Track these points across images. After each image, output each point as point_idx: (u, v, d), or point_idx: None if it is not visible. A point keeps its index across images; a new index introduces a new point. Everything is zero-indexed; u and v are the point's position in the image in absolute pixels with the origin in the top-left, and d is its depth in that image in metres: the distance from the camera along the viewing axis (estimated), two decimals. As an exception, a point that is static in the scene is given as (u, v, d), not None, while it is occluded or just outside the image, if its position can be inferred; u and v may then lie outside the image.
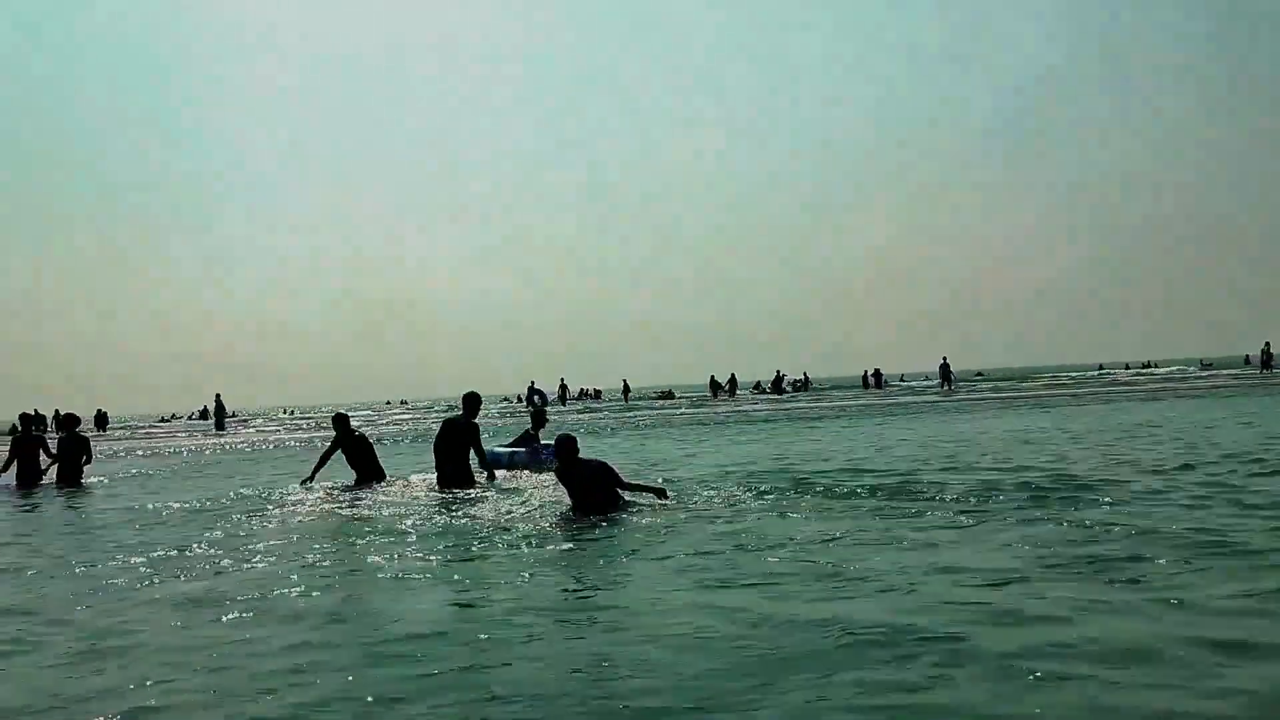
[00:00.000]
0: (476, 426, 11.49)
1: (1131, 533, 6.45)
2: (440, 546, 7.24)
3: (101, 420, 52.12)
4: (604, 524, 7.79)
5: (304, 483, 11.92)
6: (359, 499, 10.59)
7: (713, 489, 9.75)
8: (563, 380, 56.63)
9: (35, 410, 51.47)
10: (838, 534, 6.94)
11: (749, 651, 4.23)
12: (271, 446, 26.35)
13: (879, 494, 8.95)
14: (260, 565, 6.81)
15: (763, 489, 9.56)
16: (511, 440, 14.42)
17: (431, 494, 10.61)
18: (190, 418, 65.78)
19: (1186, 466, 10.25)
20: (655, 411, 39.28)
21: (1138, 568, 5.49)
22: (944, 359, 48.40)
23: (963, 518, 7.43)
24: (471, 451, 11.21)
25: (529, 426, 14.48)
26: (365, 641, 4.68)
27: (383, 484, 11.86)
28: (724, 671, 3.99)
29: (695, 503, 8.85)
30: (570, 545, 7.08)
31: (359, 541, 7.61)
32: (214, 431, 41.56)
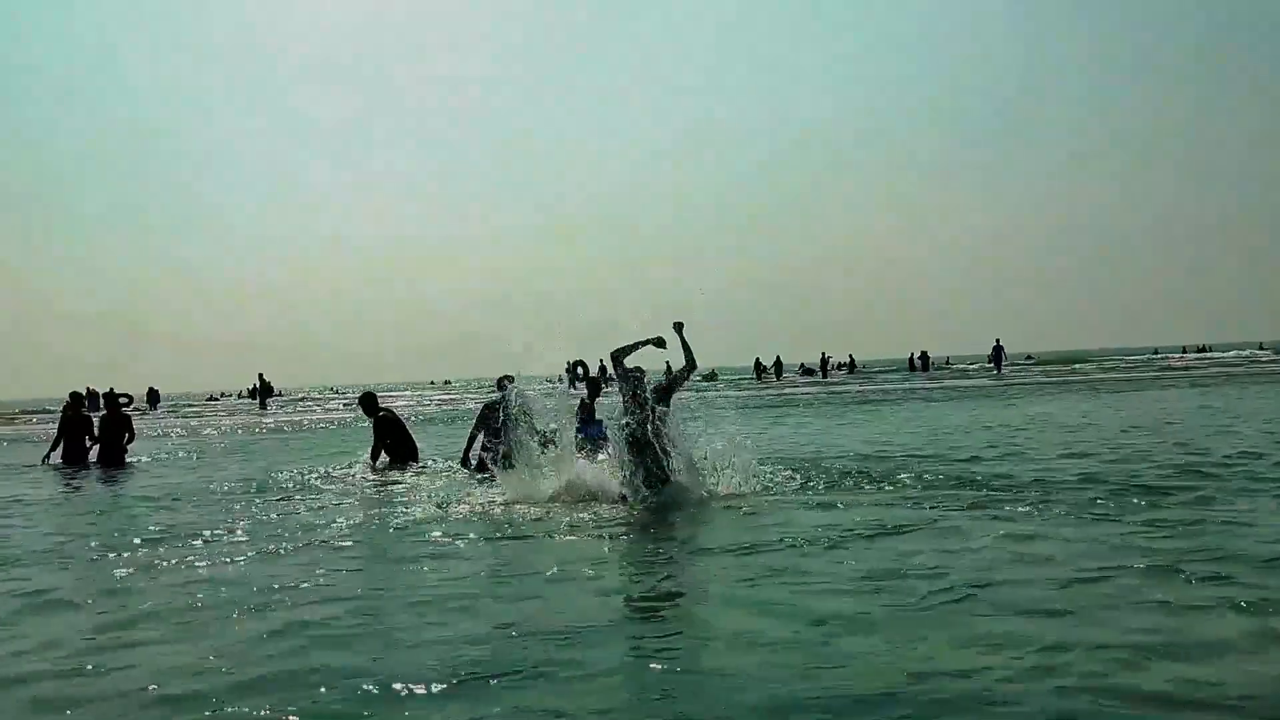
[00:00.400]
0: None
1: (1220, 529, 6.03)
2: (484, 533, 6.97)
3: (153, 398, 52.84)
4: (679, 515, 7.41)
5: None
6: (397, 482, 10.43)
7: (794, 474, 9.39)
8: (602, 361, 55.97)
9: (88, 389, 52.59)
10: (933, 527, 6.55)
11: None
12: (306, 426, 26.41)
13: (972, 485, 8.48)
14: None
15: (848, 475, 9.31)
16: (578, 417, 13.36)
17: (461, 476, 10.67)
18: (239, 396, 66.66)
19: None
20: (700, 394, 38.82)
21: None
22: (997, 341, 47.35)
23: (1058, 511, 6.93)
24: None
25: (583, 398, 13.52)
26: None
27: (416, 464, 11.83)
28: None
29: (783, 491, 8.44)
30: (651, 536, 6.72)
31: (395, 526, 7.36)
32: (258, 410, 42.05)
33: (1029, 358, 73.59)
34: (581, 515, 7.59)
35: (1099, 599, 4.56)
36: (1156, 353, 74.76)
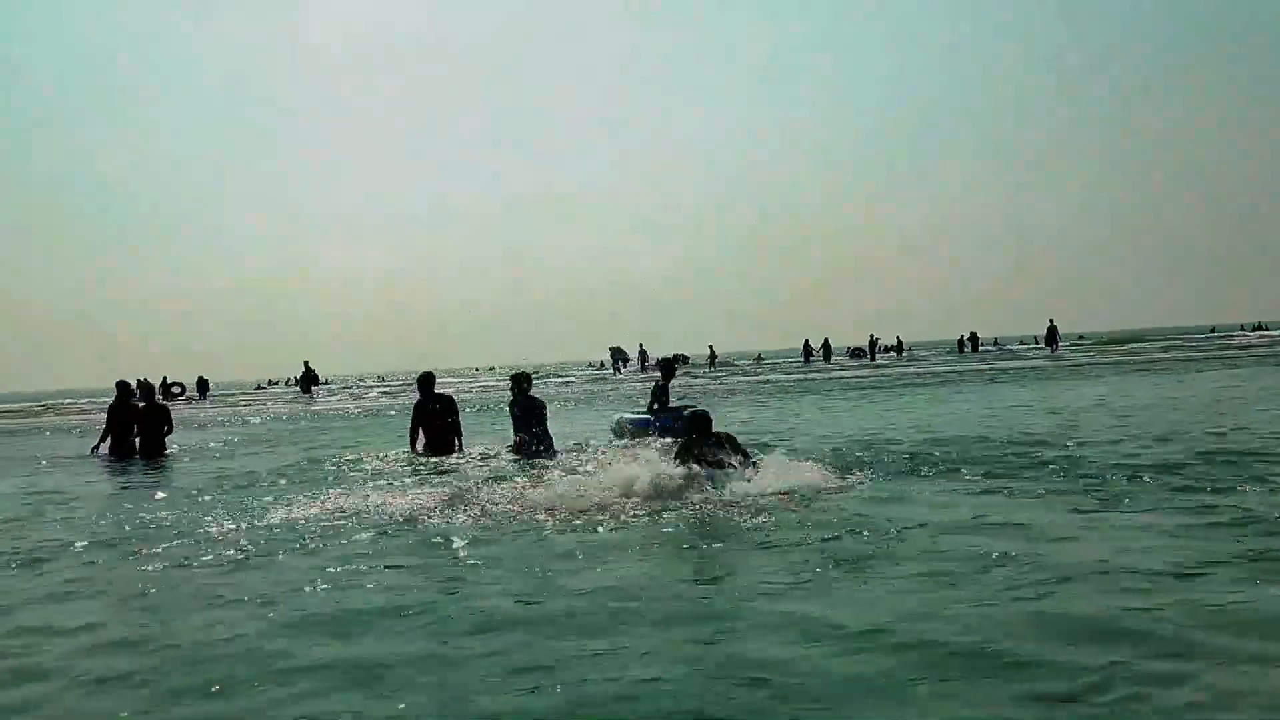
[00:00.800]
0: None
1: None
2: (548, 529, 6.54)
3: (203, 387, 53.34)
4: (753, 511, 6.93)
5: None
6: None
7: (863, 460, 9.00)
8: (641, 345, 55.46)
9: (139, 379, 53.30)
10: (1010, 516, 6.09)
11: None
12: (345, 414, 26.25)
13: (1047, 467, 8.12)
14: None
15: (905, 459, 8.94)
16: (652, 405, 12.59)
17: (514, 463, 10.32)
18: (287, 384, 67.30)
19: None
20: (750, 378, 38.26)
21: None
22: (1051, 321, 46.26)
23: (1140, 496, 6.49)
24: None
25: (658, 379, 12.74)
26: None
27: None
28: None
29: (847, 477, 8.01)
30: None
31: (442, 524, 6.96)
32: (302, 398, 42.21)
33: (1081, 338, 71.96)
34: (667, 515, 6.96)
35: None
36: (1214, 331, 72.54)
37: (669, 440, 9.80)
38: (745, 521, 6.38)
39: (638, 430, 12.12)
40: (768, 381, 33.42)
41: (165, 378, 52.01)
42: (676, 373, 12.98)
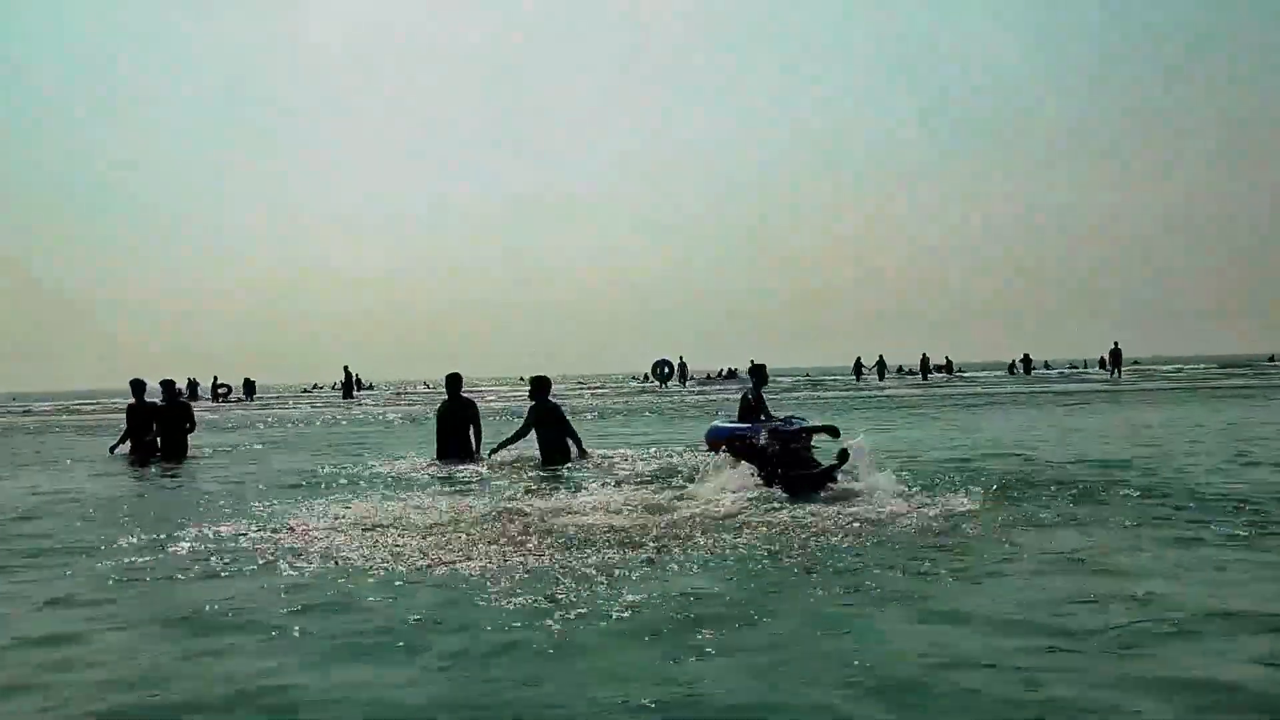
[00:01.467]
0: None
1: None
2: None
3: (249, 388, 53.26)
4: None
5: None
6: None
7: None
8: (681, 359, 54.10)
9: (189, 379, 53.63)
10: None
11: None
12: (381, 420, 25.57)
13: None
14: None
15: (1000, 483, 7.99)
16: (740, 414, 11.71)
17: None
18: (333, 388, 67.25)
19: None
20: (801, 394, 37.05)
21: None
22: (1115, 343, 44.31)
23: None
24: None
25: (748, 389, 11.80)
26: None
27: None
28: None
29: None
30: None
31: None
32: (342, 402, 42.13)
33: (1135, 362, 69.60)
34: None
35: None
36: (1273, 360, 69.34)
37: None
38: (819, 543, 5.63)
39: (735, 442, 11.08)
40: (820, 399, 32.20)
41: (215, 377, 52.08)
42: (768, 381, 12.06)
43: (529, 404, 11.34)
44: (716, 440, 10.91)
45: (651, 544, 5.80)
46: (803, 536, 5.93)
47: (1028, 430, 14.83)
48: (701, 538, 5.97)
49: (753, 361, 11.97)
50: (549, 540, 5.97)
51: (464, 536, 6.18)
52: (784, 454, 8.01)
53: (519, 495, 8.12)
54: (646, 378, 64.63)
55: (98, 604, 4.82)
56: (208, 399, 49.67)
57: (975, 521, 6.27)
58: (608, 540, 5.94)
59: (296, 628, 4.19)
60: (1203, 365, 61.33)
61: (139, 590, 5.14)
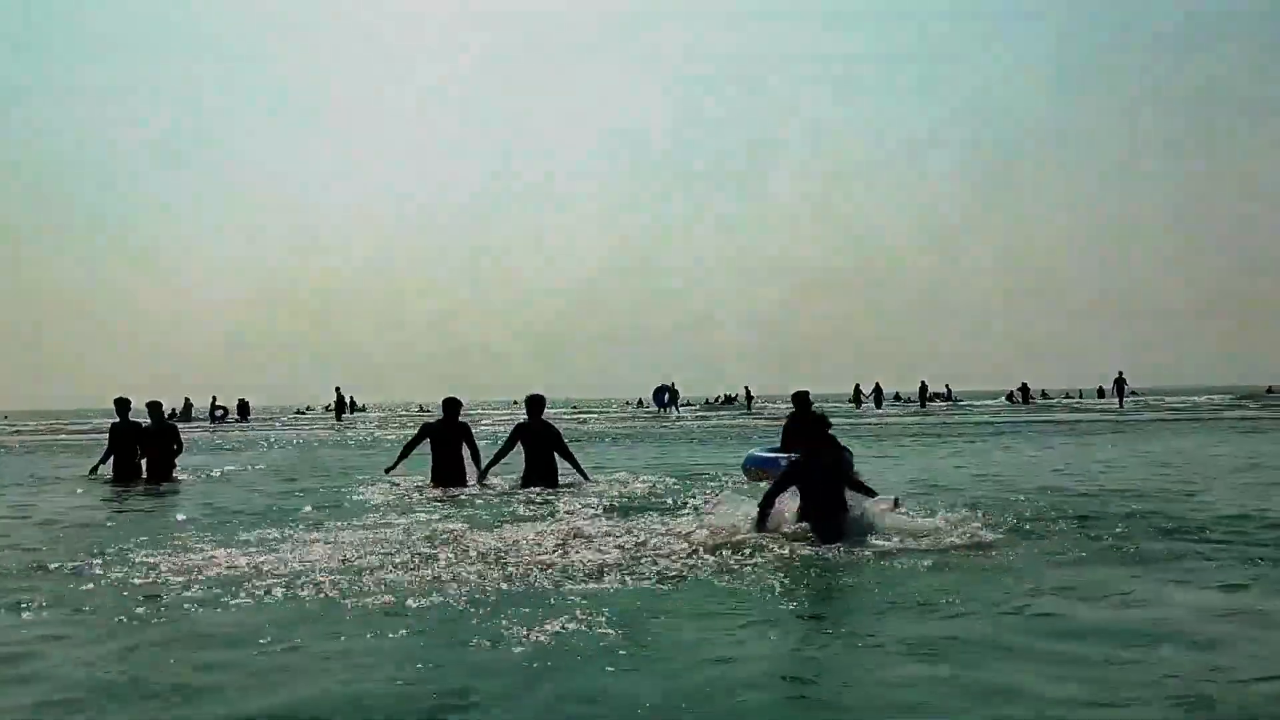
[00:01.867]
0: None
1: None
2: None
3: (244, 409, 52.44)
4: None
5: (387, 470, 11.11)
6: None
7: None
8: (673, 383, 53.31)
9: (186, 399, 53.02)
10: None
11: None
12: (368, 442, 25.10)
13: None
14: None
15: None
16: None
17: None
18: (325, 409, 66.59)
19: None
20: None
21: None
22: (1120, 374, 43.91)
23: None
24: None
25: (790, 414, 11.44)
26: None
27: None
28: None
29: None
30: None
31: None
32: (335, 424, 41.56)
33: (1134, 393, 69.18)
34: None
35: None
36: (1270, 391, 68.69)
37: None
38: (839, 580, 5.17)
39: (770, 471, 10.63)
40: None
41: (214, 398, 51.27)
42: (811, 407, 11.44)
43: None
44: (759, 469, 10.48)
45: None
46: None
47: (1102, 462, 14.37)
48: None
49: (795, 392, 11.27)
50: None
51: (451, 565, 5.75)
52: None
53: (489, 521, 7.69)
54: (642, 403, 64.23)
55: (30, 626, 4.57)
56: (204, 420, 49.03)
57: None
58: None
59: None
60: (1204, 396, 60.74)
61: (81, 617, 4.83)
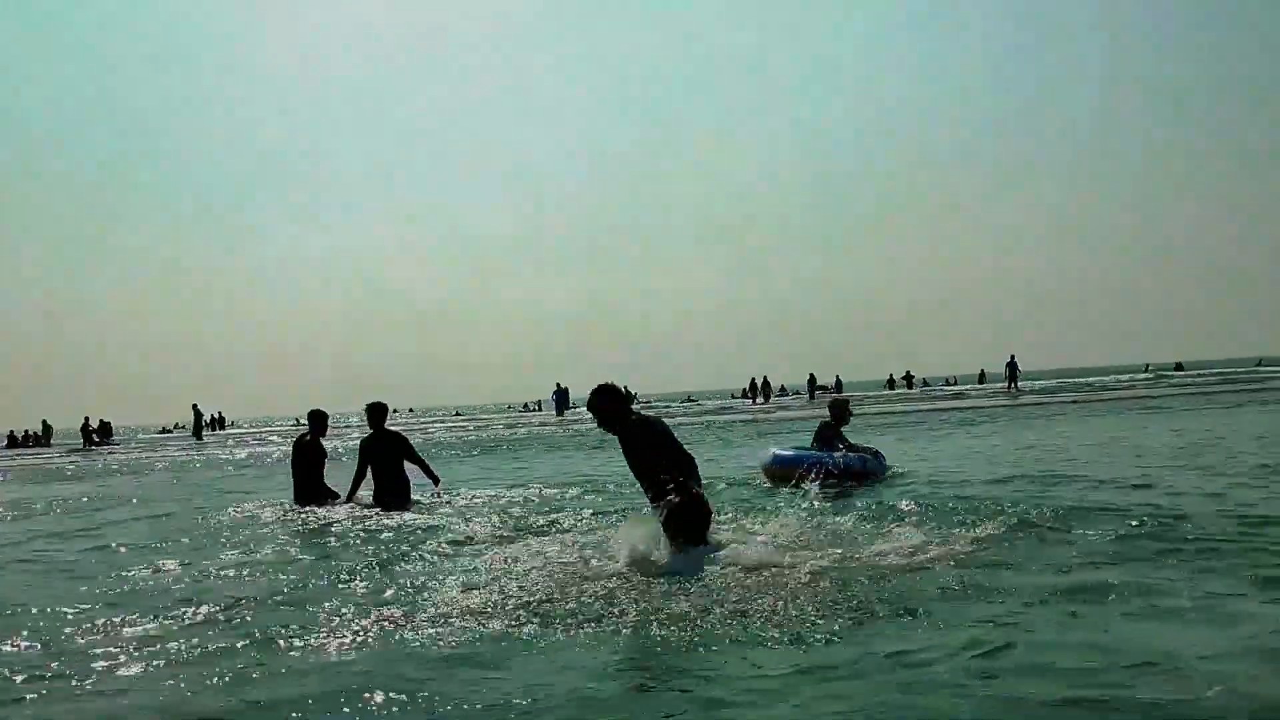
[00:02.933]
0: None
1: None
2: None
3: (105, 431, 47.52)
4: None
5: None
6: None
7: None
8: (559, 384, 51.29)
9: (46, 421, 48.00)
10: None
11: None
12: (225, 461, 22.75)
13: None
14: None
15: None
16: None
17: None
18: (178, 428, 62.12)
19: None
20: (700, 418, 35.45)
21: None
22: (1011, 356, 43.79)
23: None
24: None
25: (825, 420, 10.67)
26: None
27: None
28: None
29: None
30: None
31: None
32: (195, 442, 39.22)
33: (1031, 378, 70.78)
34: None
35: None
36: (1148, 368, 71.37)
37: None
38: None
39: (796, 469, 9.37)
40: (712, 421, 30.64)
41: (86, 419, 46.17)
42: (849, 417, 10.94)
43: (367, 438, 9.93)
44: (787, 469, 9.51)
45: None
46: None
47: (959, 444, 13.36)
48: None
49: (833, 398, 11.18)
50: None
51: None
52: None
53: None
54: (526, 406, 62.31)
55: None
56: (70, 444, 44.71)
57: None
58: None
59: None
60: (1082, 377, 62.36)
61: None
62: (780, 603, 4.46)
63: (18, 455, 37.95)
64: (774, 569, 5.06)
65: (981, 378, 58.96)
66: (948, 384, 63.88)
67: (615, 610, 4.50)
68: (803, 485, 7.92)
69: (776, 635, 3.97)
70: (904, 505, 7.21)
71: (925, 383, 64.70)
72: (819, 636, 3.94)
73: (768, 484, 9.79)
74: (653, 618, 4.31)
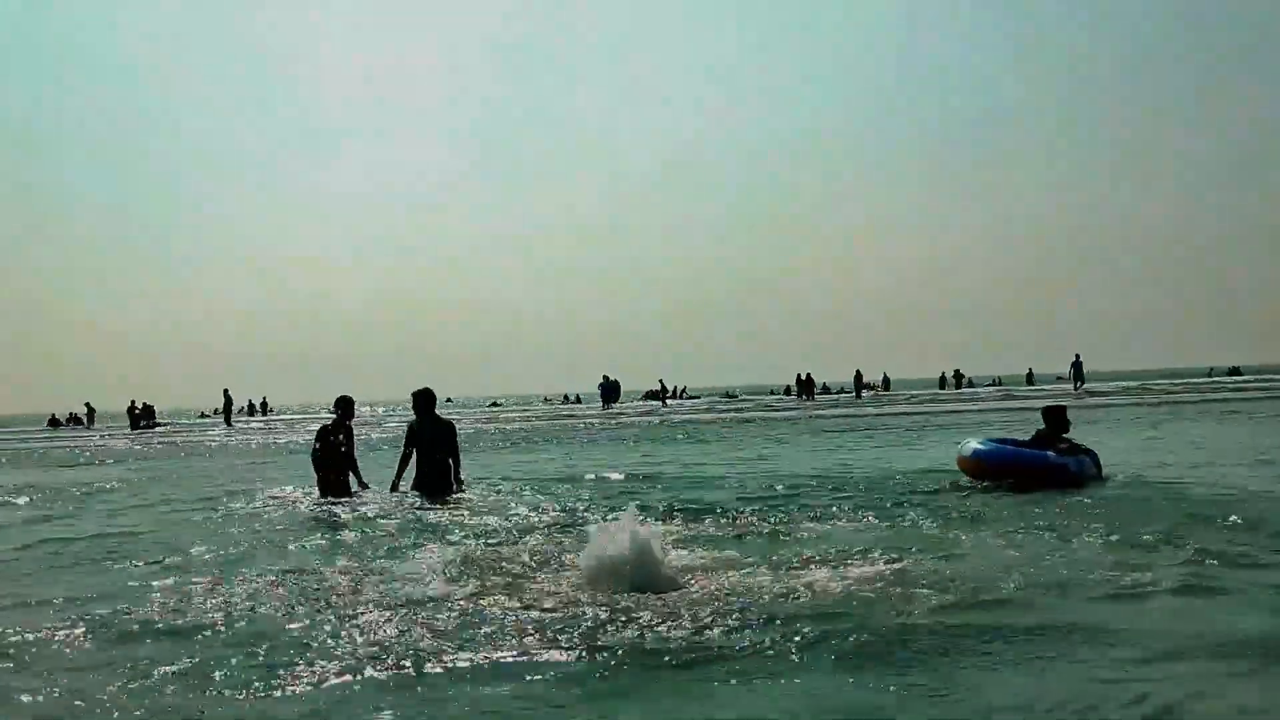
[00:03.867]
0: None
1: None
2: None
3: (149, 414, 47.23)
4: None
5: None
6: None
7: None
8: (606, 377, 50.53)
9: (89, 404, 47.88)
10: None
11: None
12: (245, 448, 22.31)
13: None
14: None
15: None
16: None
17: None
18: (215, 413, 62.17)
19: None
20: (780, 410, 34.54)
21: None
22: (1077, 355, 42.66)
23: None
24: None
25: (1039, 429, 9.72)
26: None
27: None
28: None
29: None
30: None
31: None
32: (224, 428, 39.42)
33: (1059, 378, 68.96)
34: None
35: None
36: (1212, 371, 68.95)
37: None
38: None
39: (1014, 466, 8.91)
40: (757, 419, 29.68)
41: (133, 401, 45.87)
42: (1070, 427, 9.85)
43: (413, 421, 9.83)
44: (999, 465, 8.95)
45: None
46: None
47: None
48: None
49: (1047, 407, 10.01)
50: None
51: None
52: None
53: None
54: (566, 398, 61.77)
55: None
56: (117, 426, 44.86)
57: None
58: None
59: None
60: (1146, 381, 60.05)
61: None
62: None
63: (53, 438, 38.14)
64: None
65: (1030, 378, 57.16)
66: (992, 384, 61.87)
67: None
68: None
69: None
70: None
71: (971, 383, 62.73)
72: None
73: (966, 479, 9.27)
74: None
